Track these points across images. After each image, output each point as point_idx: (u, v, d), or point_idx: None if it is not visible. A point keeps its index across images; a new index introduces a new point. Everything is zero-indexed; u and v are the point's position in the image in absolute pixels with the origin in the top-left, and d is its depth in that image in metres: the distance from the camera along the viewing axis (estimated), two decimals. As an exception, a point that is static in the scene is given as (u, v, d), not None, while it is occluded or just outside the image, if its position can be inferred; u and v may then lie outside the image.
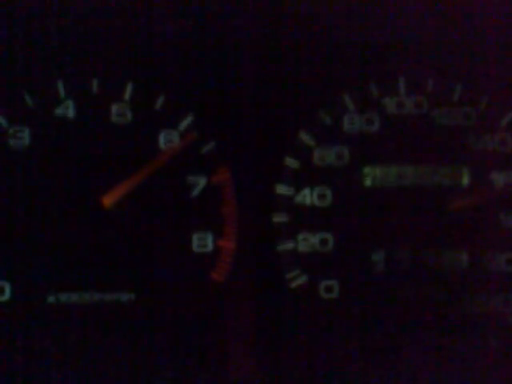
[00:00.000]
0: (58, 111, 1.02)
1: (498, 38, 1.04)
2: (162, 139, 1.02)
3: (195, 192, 1.01)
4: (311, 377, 0.99)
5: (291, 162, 1.03)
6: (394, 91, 1.05)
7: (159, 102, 1.03)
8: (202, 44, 1.03)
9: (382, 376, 0.99)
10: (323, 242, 1.02)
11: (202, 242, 1.01)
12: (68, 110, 1.02)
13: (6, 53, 1.02)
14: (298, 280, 1.02)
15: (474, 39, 1.04)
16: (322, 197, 1.02)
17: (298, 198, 1.02)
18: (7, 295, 0.99)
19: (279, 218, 1.02)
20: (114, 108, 1.02)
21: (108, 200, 0.98)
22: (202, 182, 1.01)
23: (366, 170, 1.03)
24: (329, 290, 1.02)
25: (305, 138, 1.03)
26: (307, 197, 1.02)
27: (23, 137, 1.02)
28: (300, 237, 1.02)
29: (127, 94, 1.03)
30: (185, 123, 1.03)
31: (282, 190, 1.03)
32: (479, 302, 1.02)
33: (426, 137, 1.04)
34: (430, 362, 1.00)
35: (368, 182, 1.03)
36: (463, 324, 1.01)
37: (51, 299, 0.99)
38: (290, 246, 1.02)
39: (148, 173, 0.99)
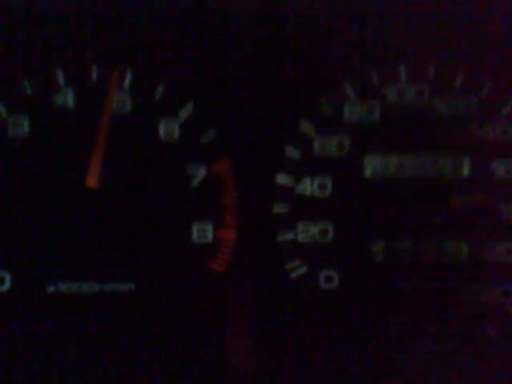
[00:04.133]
0: (57, 99, 1.02)
1: (500, 26, 1.03)
2: (161, 128, 1.02)
3: (195, 182, 1.01)
4: (310, 367, 0.99)
5: (292, 152, 1.03)
6: (395, 79, 1.04)
7: (159, 90, 1.02)
8: (201, 32, 1.02)
9: (381, 366, 1.00)
10: (323, 232, 1.02)
11: (202, 232, 1.01)
12: (67, 98, 1.02)
13: (5, 40, 1.01)
14: (297, 270, 1.02)
15: (476, 27, 1.03)
16: (322, 187, 1.02)
17: (299, 188, 1.02)
18: (7, 285, 1.00)
19: (279, 208, 1.02)
20: (114, 96, 1.02)
21: (91, 181, 0.97)
22: (202, 171, 1.01)
23: (367, 159, 1.03)
24: (328, 280, 1.02)
25: (305, 127, 1.03)
26: (307, 187, 1.02)
27: (22, 125, 1.01)
28: (300, 227, 1.02)
29: (127, 83, 1.02)
30: (185, 112, 1.02)
31: (282, 179, 1.02)
32: (479, 292, 1.02)
33: (427, 125, 1.04)
34: (430, 352, 1.00)
35: (368, 172, 1.03)
36: (463, 314, 1.02)
37: (51, 289, 0.99)
38: (289, 236, 1.02)
39: (104, 136, 0.98)
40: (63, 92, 1.02)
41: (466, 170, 1.03)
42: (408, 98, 1.04)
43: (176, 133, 1.02)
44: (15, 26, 1.01)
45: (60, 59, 1.02)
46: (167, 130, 1.01)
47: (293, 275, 1.02)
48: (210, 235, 1.01)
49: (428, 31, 1.03)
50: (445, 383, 0.99)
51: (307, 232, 1.02)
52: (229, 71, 1.03)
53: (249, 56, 1.02)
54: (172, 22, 1.02)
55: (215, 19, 1.02)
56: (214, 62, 1.03)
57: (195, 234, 1.01)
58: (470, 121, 1.04)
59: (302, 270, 1.02)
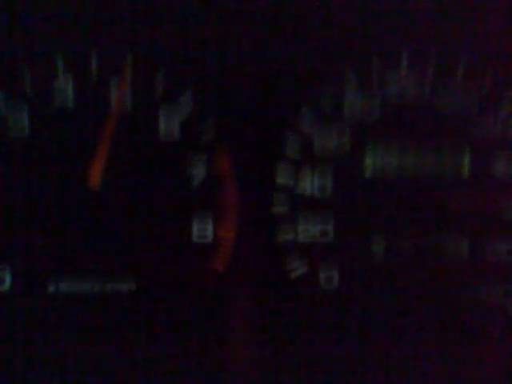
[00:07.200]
0: (57, 84, 1.01)
1: (501, 21, 1.03)
2: (162, 126, 1.01)
3: (195, 181, 1.01)
4: (311, 366, 1.00)
5: (292, 152, 1.02)
6: (395, 76, 1.03)
7: (158, 80, 1.02)
8: (201, 18, 1.01)
9: (382, 365, 1.00)
10: (323, 231, 1.02)
11: (203, 231, 1.01)
12: (67, 83, 1.01)
13: (5, 28, 1.00)
14: (297, 270, 1.02)
15: (477, 20, 1.02)
16: (322, 187, 1.02)
17: (299, 188, 1.02)
18: (7, 284, 1.00)
19: (279, 208, 1.02)
20: (114, 82, 1.01)
21: (94, 180, 0.97)
22: (202, 171, 1.01)
23: (367, 159, 1.02)
24: (329, 280, 1.02)
25: (305, 126, 1.03)
26: (308, 187, 1.02)
27: (22, 123, 1.01)
28: (300, 227, 1.02)
29: (127, 69, 1.02)
30: (184, 98, 1.02)
31: (282, 179, 1.02)
32: (480, 291, 1.02)
33: (427, 123, 1.04)
34: (430, 351, 1.01)
35: (368, 172, 1.02)
36: (463, 314, 1.02)
37: (51, 288, 1.00)
38: (290, 236, 1.02)
39: (109, 135, 0.98)
40: (63, 77, 1.01)
41: (466, 168, 1.03)
42: (408, 95, 1.03)
43: (176, 131, 1.01)
44: (15, 13, 1.00)
45: (59, 44, 1.01)
46: (167, 128, 1.01)
47: (293, 275, 1.02)
48: (210, 235, 1.01)
49: (428, 25, 1.02)
50: (444, 382, 1.00)
51: (307, 232, 1.02)
52: (229, 59, 1.01)
53: (248, 44, 1.01)
54: (172, 10, 1.01)
55: (215, 8, 1.01)
56: (214, 49, 1.02)
57: (195, 234, 1.01)
58: (471, 118, 1.03)
59: (302, 269, 1.02)
